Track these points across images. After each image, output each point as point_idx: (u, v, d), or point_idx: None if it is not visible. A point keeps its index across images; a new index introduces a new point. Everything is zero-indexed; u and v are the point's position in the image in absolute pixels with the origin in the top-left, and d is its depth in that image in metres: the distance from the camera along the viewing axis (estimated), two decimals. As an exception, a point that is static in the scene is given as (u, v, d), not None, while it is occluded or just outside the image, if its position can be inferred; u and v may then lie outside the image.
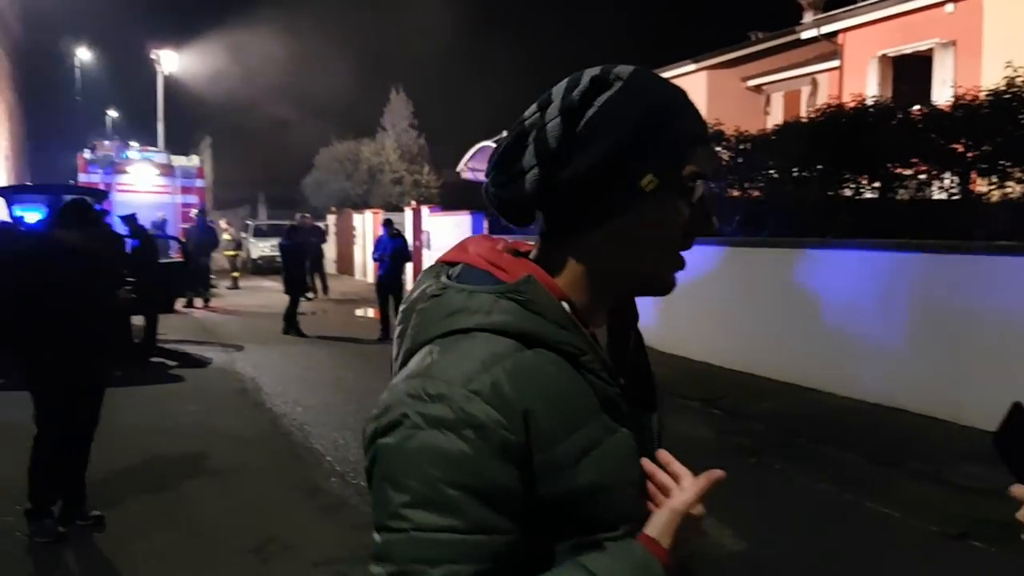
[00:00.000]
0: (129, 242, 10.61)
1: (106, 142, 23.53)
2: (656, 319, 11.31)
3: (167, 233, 15.02)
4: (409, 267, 17.45)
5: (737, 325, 9.67)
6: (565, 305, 0.94)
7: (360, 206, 25.79)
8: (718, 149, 11.11)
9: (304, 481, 5.77)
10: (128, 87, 38.72)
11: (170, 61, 28.62)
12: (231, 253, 22.15)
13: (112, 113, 41.64)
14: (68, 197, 10.55)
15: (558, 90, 0.95)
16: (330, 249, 26.01)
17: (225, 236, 22.39)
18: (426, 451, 0.85)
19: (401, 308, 1.01)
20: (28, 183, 18.33)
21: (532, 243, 1.05)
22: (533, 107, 0.97)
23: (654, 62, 23.31)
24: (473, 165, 20.32)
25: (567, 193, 0.93)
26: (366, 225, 23.33)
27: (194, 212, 19.25)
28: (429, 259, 19.39)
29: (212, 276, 18.02)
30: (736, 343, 9.64)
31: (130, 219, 11.21)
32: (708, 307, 10.15)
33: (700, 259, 10.21)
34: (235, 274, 21.50)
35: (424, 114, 33.01)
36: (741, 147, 10.76)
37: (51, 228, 4.83)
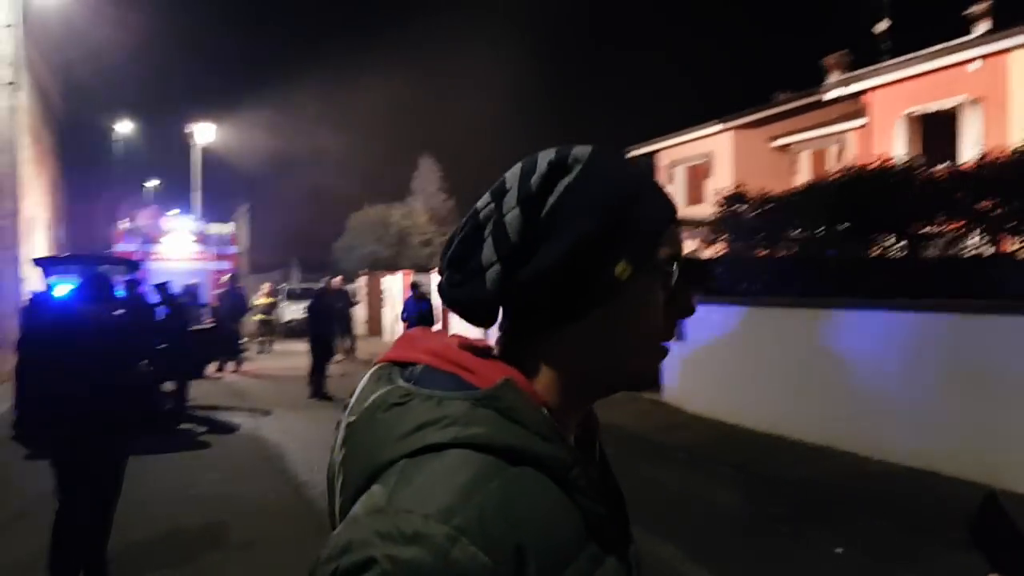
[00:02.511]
0: (160, 310, 10.80)
1: (143, 212, 24.19)
2: (682, 380, 11.18)
3: (199, 300, 15.26)
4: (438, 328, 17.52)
5: (766, 386, 9.52)
6: (545, 412, 0.83)
7: (390, 268, 26.09)
8: (742, 208, 11.11)
9: (324, 552, 5.69)
10: (169, 157, 39.91)
11: (206, 133, 29.52)
12: (263, 317, 22.34)
13: (152, 183, 42.81)
14: (99, 268, 10.81)
15: (513, 176, 0.87)
16: (360, 311, 26.25)
17: (262, 300, 22.63)
18: None
19: (346, 419, 0.86)
20: (65, 254, 18.77)
21: (486, 338, 0.94)
22: (486, 196, 0.89)
23: (679, 123, 23.53)
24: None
25: (534, 289, 0.84)
26: (394, 287, 23.55)
27: (225, 278, 19.60)
28: (456, 321, 19.63)
29: (243, 340, 18.20)
30: (765, 405, 9.48)
31: (162, 287, 11.42)
32: (735, 368, 10.03)
33: (726, 319, 10.18)
34: (267, 338, 21.68)
35: (454, 176, 33.57)
36: (765, 207, 10.75)
37: (71, 302, 4.93)
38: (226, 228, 23.81)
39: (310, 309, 13.46)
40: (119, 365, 5.00)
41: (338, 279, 16.28)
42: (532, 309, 0.86)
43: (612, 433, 7.19)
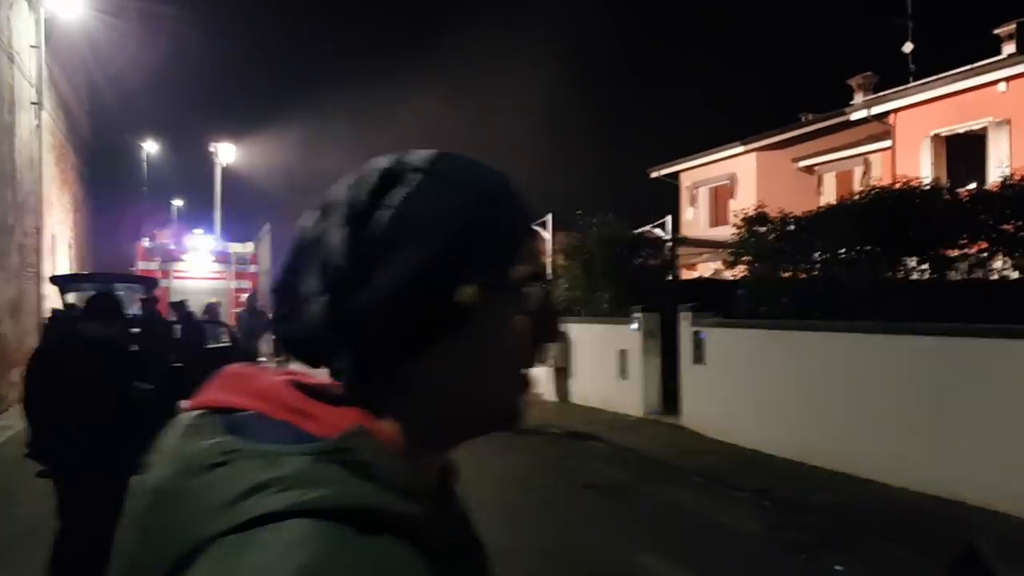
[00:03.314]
0: (177, 328, 10.82)
1: (164, 231, 24.44)
2: (701, 404, 11.01)
3: (217, 318, 15.29)
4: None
5: (786, 411, 9.33)
6: (401, 463, 0.69)
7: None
8: (763, 229, 10.97)
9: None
10: (194, 177, 40.39)
11: (228, 153, 29.86)
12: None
13: (177, 202, 43.35)
14: (116, 286, 10.84)
15: (341, 189, 0.75)
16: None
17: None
18: None
19: (143, 484, 0.68)
20: (85, 272, 18.95)
21: (320, 375, 0.77)
22: (313, 214, 0.76)
23: (703, 144, 23.46)
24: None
25: (369, 320, 0.70)
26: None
27: (244, 297, 19.66)
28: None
29: (263, 359, 18.20)
30: (786, 430, 9.29)
31: (178, 305, 11.45)
32: (757, 392, 9.85)
33: (747, 343, 10.03)
34: (285, 356, 21.66)
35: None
36: (786, 228, 10.61)
37: (80, 320, 4.91)
38: (247, 247, 23.97)
39: None
40: (119, 384, 4.96)
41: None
42: (371, 343, 0.72)
43: (629, 457, 7.20)
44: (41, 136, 16.71)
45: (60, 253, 19.77)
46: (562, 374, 14.81)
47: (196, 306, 13.91)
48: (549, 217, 19.39)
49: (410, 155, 0.76)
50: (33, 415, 4.65)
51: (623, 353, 13.06)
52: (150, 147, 40.38)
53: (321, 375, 0.75)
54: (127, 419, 4.87)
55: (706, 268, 17.71)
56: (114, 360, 4.89)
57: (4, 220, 13.53)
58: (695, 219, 24.27)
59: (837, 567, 5.55)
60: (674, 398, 11.91)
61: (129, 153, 39.65)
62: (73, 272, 17.76)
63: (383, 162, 0.76)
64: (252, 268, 22.25)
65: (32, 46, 16.05)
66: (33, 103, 16.07)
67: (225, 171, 29.70)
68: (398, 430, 0.72)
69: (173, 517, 0.62)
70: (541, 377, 15.45)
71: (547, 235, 19.16)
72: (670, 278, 15.03)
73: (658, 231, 18.91)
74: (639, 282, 14.00)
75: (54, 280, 12.57)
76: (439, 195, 0.73)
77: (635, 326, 12.76)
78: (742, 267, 11.54)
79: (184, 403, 0.70)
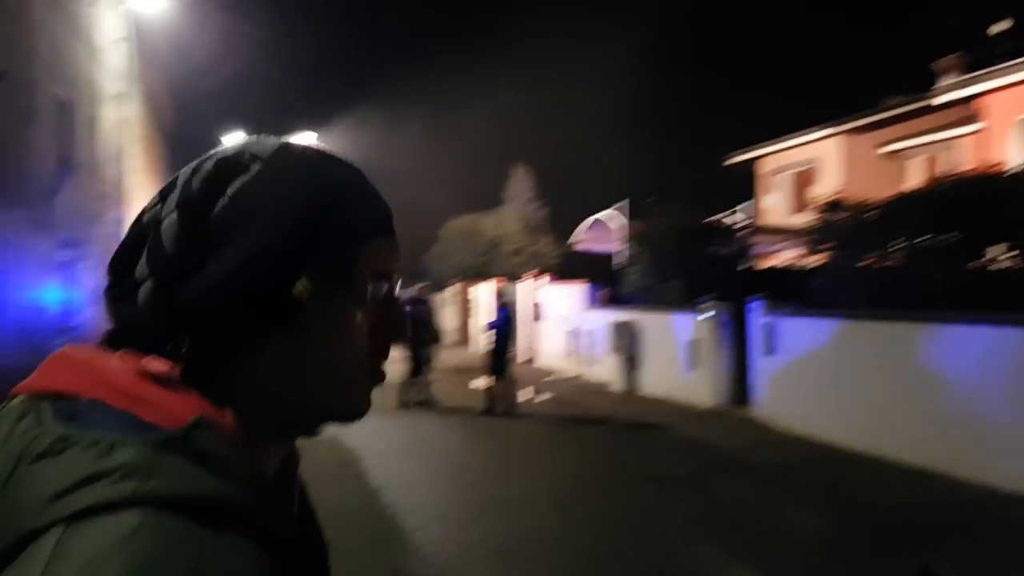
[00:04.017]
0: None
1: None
2: (772, 395, 10.75)
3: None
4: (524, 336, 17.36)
5: (861, 404, 9.02)
6: (243, 454, 0.67)
7: (480, 277, 26.21)
8: (841, 216, 10.61)
9: (388, 560, 5.67)
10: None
11: (305, 143, 30.44)
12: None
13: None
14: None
15: (184, 174, 0.74)
16: (450, 319, 26.46)
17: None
18: None
19: None
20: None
21: (163, 360, 0.71)
22: (155, 196, 0.74)
23: (784, 128, 22.82)
24: (587, 236, 20.35)
25: (201, 310, 0.69)
26: (482, 296, 23.66)
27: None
28: (543, 330, 19.51)
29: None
30: (859, 423, 8.98)
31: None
32: (829, 384, 9.56)
33: (821, 333, 9.73)
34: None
35: (549, 184, 33.49)
36: (865, 215, 10.23)
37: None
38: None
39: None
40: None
41: (420, 287, 16.34)
42: (204, 331, 0.70)
43: (695, 449, 7.07)
44: (127, 128, 17.34)
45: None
46: (630, 364, 14.66)
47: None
48: (626, 204, 19.23)
49: (254, 143, 0.75)
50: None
51: (693, 343, 12.85)
52: (232, 139, 41.55)
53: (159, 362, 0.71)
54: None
55: (784, 257, 17.26)
56: None
57: (90, 210, 14.11)
58: (774, 206, 23.67)
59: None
60: (745, 389, 11.69)
61: (213, 144, 40.88)
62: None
63: (224, 151, 0.75)
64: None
65: (118, 40, 16.63)
66: (119, 96, 16.67)
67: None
68: (236, 420, 0.69)
69: (2, 508, 0.59)
70: (609, 367, 15.34)
71: (623, 222, 18.98)
72: (743, 267, 14.69)
73: (732, 219, 18.53)
74: (711, 271, 13.76)
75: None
76: (277, 187, 0.72)
77: (706, 315, 12.55)
78: (819, 255, 11.21)
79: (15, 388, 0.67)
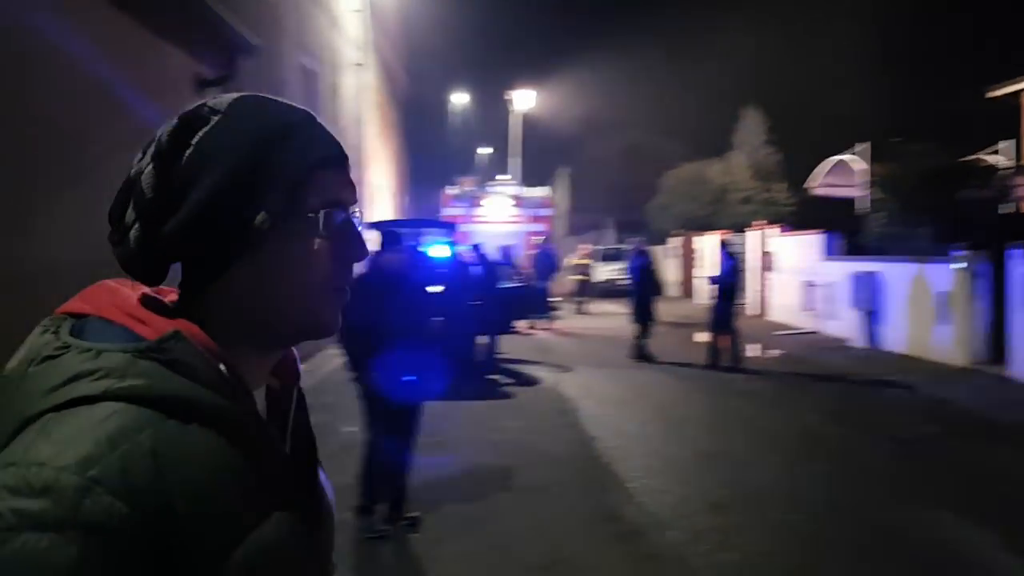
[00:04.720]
0: (475, 269, 11.54)
1: (468, 178, 26.09)
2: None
3: (512, 260, 16.00)
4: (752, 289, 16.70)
5: None
6: (222, 367, 0.80)
7: (706, 228, 25.45)
8: None
9: (603, 506, 5.73)
10: (497, 125, 42.52)
11: (526, 99, 30.99)
12: (581, 278, 22.88)
13: (483, 150, 46.02)
14: (422, 230, 11.76)
15: (158, 132, 0.85)
16: (672, 272, 26.01)
17: (580, 260, 23.25)
18: (22, 562, 0.64)
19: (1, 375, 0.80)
20: (398, 219, 20.81)
21: (171, 289, 0.90)
22: (140, 152, 0.86)
23: (999, 75, 19.87)
24: (828, 181, 18.97)
25: (179, 243, 0.82)
26: (707, 247, 22.97)
27: (537, 239, 20.36)
28: (774, 283, 18.62)
29: (555, 300, 18.88)
30: None
31: (476, 248, 12.18)
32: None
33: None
34: (583, 298, 22.17)
35: (781, 128, 31.53)
36: None
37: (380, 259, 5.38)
38: (542, 191, 24.84)
39: (633, 269, 13.19)
40: (420, 318, 5.43)
41: (638, 240, 16.11)
42: (188, 263, 0.85)
43: (941, 409, 6.53)
44: (364, 95, 18.51)
45: (382, 202, 21.94)
46: (871, 318, 13.64)
47: (492, 249, 14.71)
48: (866, 147, 17.74)
49: (213, 99, 0.86)
50: (344, 343, 5.23)
51: (944, 296, 11.72)
52: (459, 99, 43.13)
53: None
54: (423, 350, 5.33)
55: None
56: (412, 296, 5.35)
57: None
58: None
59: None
60: (1001, 347, 10.53)
61: (439, 106, 42.68)
62: (389, 219, 19.57)
63: (188, 109, 0.85)
64: (546, 211, 23.05)
65: (356, 10, 17.71)
66: (357, 64, 17.80)
67: (525, 117, 30.91)
68: (217, 336, 0.82)
69: (12, 398, 0.74)
70: (847, 322, 14.39)
71: (863, 166, 17.57)
72: (1004, 211, 13.13)
73: (992, 159, 16.53)
74: (965, 217, 12.43)
75: (372, 226, 13.94)
76: (232, 132, 0.83)
77: (959, 265, 11.39)
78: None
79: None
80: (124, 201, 0.84)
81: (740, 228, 22.17)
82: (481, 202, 22.87)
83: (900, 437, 7.69)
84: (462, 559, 4.81)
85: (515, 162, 29.78)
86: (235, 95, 0.87)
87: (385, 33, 22.62)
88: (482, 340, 11.33)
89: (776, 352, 13.52)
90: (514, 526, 5.32)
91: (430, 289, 6.37)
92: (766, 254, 19.37)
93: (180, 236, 0.81)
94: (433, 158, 38.53)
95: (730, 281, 11.88)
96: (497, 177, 27.99)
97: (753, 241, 20.25)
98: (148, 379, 0.73)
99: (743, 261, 17.21)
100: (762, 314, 19.25)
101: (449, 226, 14.07)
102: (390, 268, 5.22)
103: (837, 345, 14.11)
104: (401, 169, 28.28)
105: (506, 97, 30.59)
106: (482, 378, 10.66)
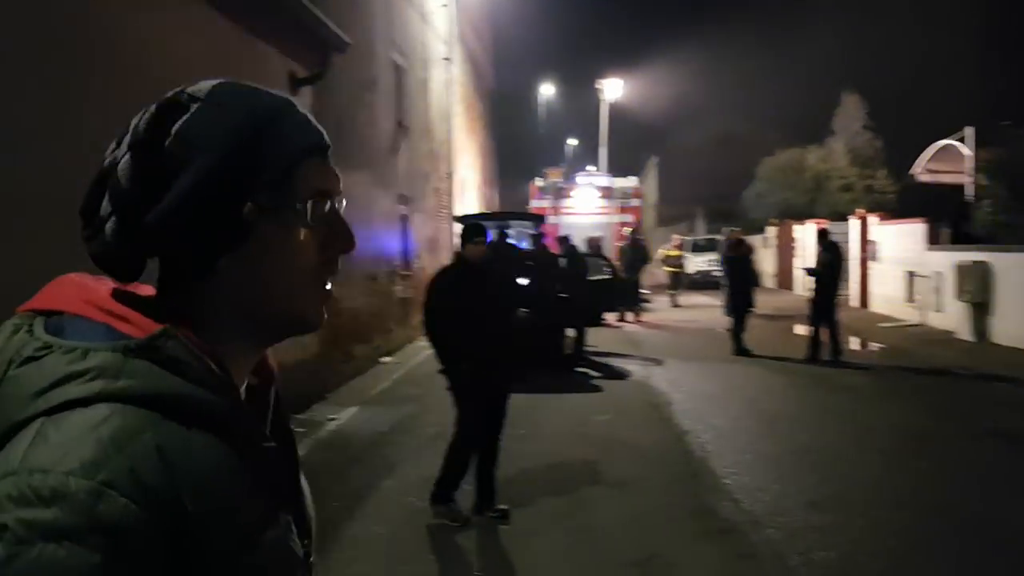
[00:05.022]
0: (562, 261, 11.49)
1: (556, 169, 25.99)
2: None
3: (600, 252, 15.81)
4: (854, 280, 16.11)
5: None
6: (208, 361, 0.76)
7: (804, 216, 24.63)
8: None
9: (696, 501, 5.60)
10: (586, 116, 42.23)
11: (614, 89, 30.60)
12: (673, 269, 22.20)
13: (570, 141, 45.85)
14: (509, 222, 11.76)
15: (133, 122, 0.81)
16: (769, 263, 25.32)
17: (671, 252, 22.58)
18: (43, 573, 0.62)
19: None
20: (486, 212, 20.88)
21: (150, 287, 0.85)
22: (113, 142, 0.82)
23: None
24: (932, 167, 18.08)
25: (160, 235, 0.78)
26: (806, 236, 22.23)
27: (626, 231, 20.10)
28: (877, 273, 17.90)
29: (645, 292, 18.58)
30: None
31: (563, 240, 12.11)
32: None
33: None
34: (675, 290, 21.58)
35: (881, 113, 30.24)
36: None
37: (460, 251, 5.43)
38: (630, 182, 24.54)
39: (727, 261, 12.71)
40: (508, 310, 5.44)
41: (732, 231, 15.64)
42: (166, 257, 0.82)
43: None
44: (452, 89, 18.65)
45: (468, 194, 22.10)
46: (980, 310, 12.94)
47: (580, 240, 14.61)
48: (971, 131, 16.83)
49: (192, 87, 0.82)
50: (432, 335, 5.27)
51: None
52: (546, 90, 43.04)
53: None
54: (508, 342, 5.32)
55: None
56: (498, 287, 5.36)
57: (421, 167, 15.44)
58: None
59: None
60: None
61: (526, 98, 42.61)
62: (476, 212, 19.69)
63: (168, 94, 0.81)
64: (635, 202, 22.80)
65: (443, 5, 17.85)
66: (445, 58, 17.94)
67: (612, 107, 30.54)
68: (204, 332, 0.78)
69: None
70: (954, 314, 13.71)
71: (967, 152, 16.69)
72: None
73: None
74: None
75: (458, 219, 14.04)
76: (214, 120, 0.79)
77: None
78: None
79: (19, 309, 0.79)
80: (98, 194, 0.81)
81: (840, 217, 21.37)
82: (569, 193, 22.81)
83: (1008, 433, 7.29)
84: (553, 553, 4.77)
85: (603, 152, 29.52)
86: (212, 82, 0.83)
87: (471, 26, 22.76)
88: (570, 333, 11.27)
89: (878, 345, 12.99)
90: (605, 520, 5.25)
91: (517, 281, 6.37)
92: (867, 243, 18.64)
93: (163, 227, 0.77)
94: (521, 151, 38.50)
95: (831, 272, 11.44)
96: (585, 168, 27.85)
97: (854, 230, 19.52)
98: (143, 379, 0.71)
99: (844, 251, 16.60)
100: (864, 305, 18.54)
101: (537, 218, 14.05)
102: (476, 260, 5.24)
103: (942, 338, 13.45)
104: (488, 162, 28.42)
105: (596, 86, 30.25)
106: (570, 371, 10.59)
